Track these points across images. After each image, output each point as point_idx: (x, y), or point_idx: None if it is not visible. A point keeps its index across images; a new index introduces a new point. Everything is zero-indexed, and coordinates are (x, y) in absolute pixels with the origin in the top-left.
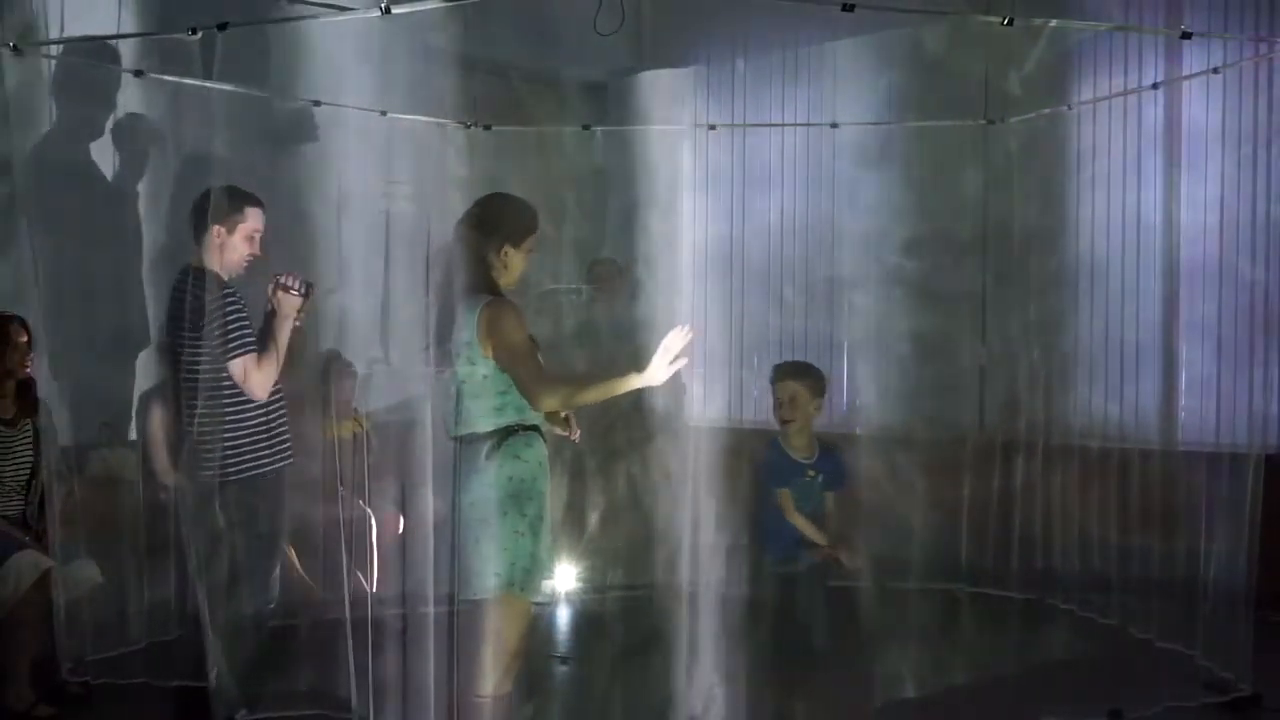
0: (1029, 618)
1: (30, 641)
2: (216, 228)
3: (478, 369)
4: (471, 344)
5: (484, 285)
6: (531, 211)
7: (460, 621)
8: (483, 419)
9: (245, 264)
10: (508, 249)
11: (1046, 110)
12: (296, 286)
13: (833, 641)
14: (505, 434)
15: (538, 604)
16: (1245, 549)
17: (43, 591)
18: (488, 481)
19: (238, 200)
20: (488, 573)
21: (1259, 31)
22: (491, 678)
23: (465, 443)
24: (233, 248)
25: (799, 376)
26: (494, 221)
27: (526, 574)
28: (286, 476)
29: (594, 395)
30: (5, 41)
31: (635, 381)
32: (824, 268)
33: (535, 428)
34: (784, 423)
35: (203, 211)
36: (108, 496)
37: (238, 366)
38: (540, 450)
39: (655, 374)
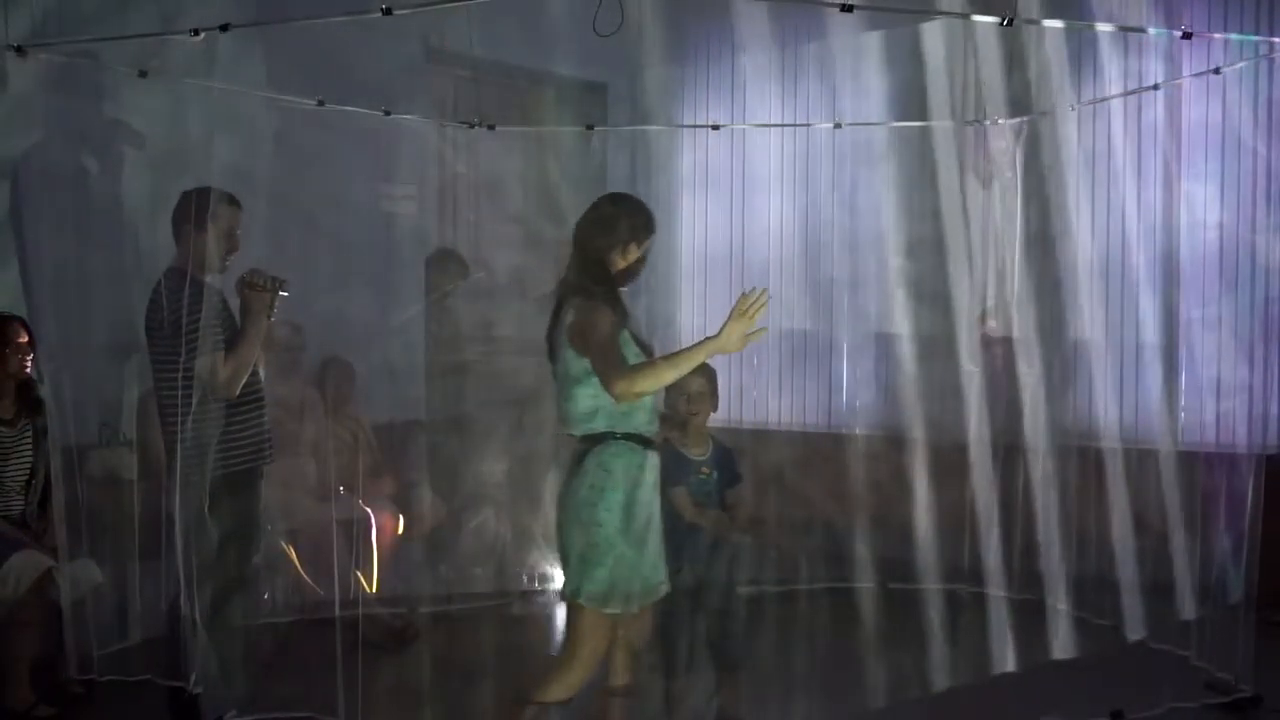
0: (1028, 618)
1: (30, 642)
2: (190, 228)
3: (571, 370)
4: (565, 347)
5: (592, 284)
6: (649, 210)
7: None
8: (577, 423)
9: (224, 264)
10: (632, 247)
11: (1047, 110)
12: (263, 282)
13: (749, 644)
14: (595, 441)
15: (617, 615)
16: (1245, 549)
17: (43, 592)
18: (573, 488)
19: (214, 200)
20: (569, 579)
21: (1259, 31)
22: (560, 681)
23: (569, 442)
24: (210, 248)
25: (703, 372)
26: (619, 220)
27: (595, 585)
28: (259, 474)
29: (670, 374)
30: (9, 43)
31: (709, 350)
32: (824, 268)
33: (633, 436)
34: (692, 415)
35: (181, 213)
36: (108, 496)
37: (204, 365)
38: (632, 460)
39: (729, 340)
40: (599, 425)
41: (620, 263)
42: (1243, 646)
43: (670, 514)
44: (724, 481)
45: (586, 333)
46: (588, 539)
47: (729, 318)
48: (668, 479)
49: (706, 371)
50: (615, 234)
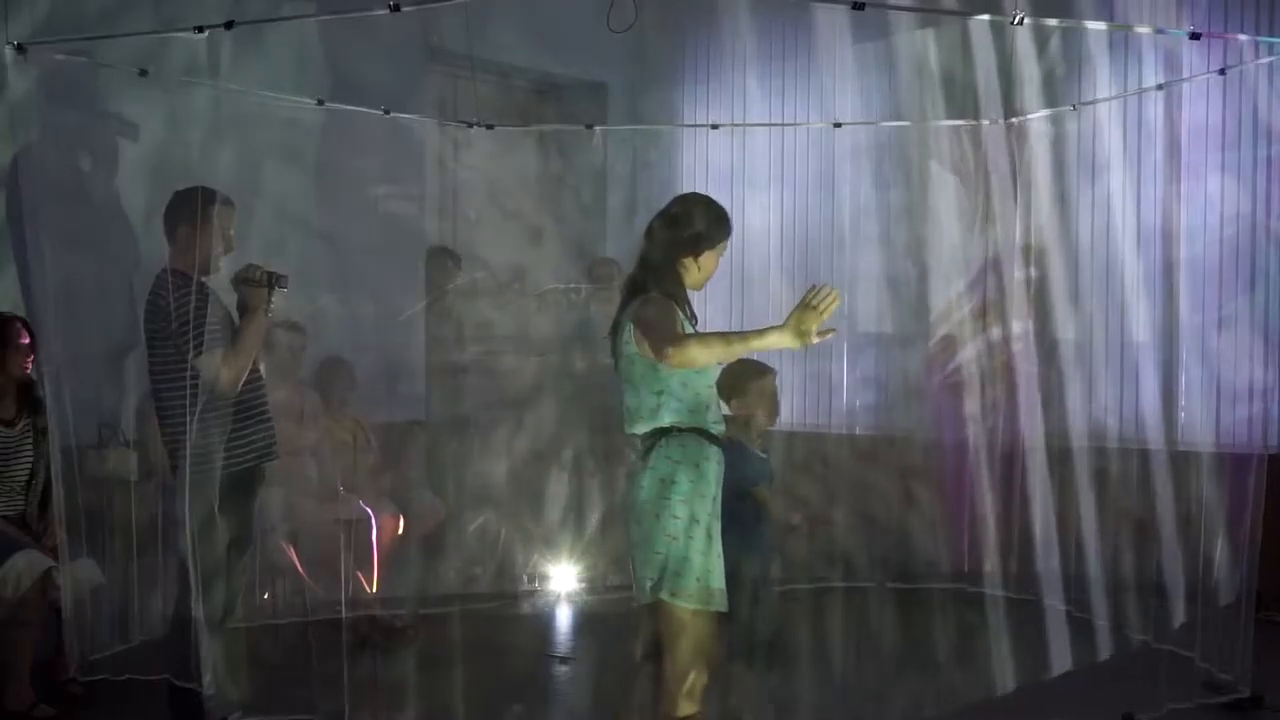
0: (1028, 618)
1: (30, 642)
2: (185, 228)
3: (636, 367)
4: (629, 342)
5: (660, 283)
6: (726, 213)
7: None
8: (642, 420)
9: (218, 263)
10: (707, 250)
11: (1047, 110)
12: (259, 277)
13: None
14: (661, 435)
15: (700, 610)
16: (1245, 549)
17: (43, 592)
18: (643, 483)
19: (206, 200)
20: (645, 576)
21: (1259, 31)
22: (677, 681)
23: (636, 442)
24: (203, 247)
25: (772, 373)
26: (694, 223)
27: (677, 579)
28: (261, 474)
29: (722, 351)
30: (9, 41)
31: (772, 340)
32: (824, 267)
33: (697, 430)
34: (767, 415)
35: (173, 212)
36: (108, 496)
37: (204, 364)
38: (700, 452)
39: (792, 335)
40: (664, 420)
41: (693, 266)
42: (1244, 646)
43: (752, 513)
44: (771, 476)
45: (645, 314)
46: (667, 532)
47: (794, 310)
48: (747, 478)
49: (771, 371)
50: (690, 235)
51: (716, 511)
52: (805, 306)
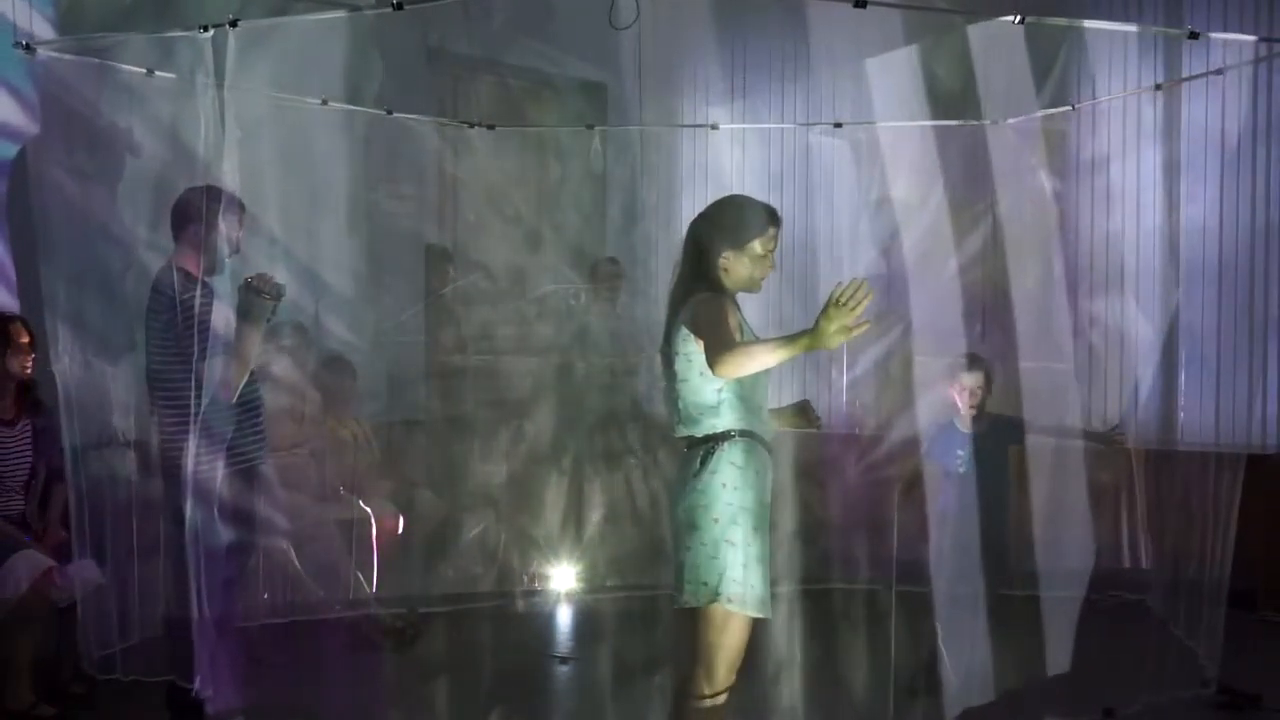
0: (1029, 616)
1: (30, 642)
2: (193, 228)
3: (694, 367)
4: (686, 341)
5: (704, 285)
6: (755, 214)
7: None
8: (698, 423)
9: (223, 264)
10: (727, 252)
11: (1047, 110)
12: (266, 289)
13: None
14: (720, 440)
15: (756, 617)
16: (1244, 548)
17: (42, 592)
18: (699, 488)
19: (215, 200)
20: (697, 581)
21: (1259, 32)
22: (708, 683)
23: (684, 446)
24: (210, 248)
25: (982, 363)
26: (715, 224)
27: (735, 585)
28: (256, 474)
29: (765, 360)
30: (18, 40)
31: (805, 344)
32: (824, 268)
33: (751, 434)
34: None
35: (182, 211)
36: (108, 496)
37: (207, 369)
38: (758, 458)
39: (826, 335)
40: (722, 421)
41: (736, 261)
42: (1241, 645)
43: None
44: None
45: (700, 316)
46: (726, 538)
47: (823, 310)
48: (952, 458)
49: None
50: (730, 226)
51: (767, 519)
52: (836, 304)
